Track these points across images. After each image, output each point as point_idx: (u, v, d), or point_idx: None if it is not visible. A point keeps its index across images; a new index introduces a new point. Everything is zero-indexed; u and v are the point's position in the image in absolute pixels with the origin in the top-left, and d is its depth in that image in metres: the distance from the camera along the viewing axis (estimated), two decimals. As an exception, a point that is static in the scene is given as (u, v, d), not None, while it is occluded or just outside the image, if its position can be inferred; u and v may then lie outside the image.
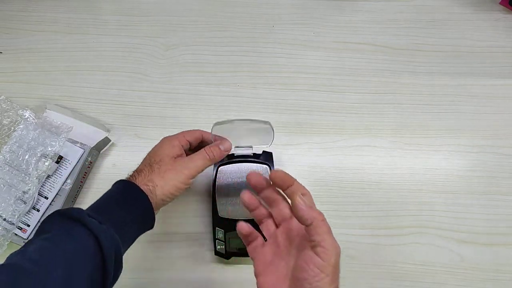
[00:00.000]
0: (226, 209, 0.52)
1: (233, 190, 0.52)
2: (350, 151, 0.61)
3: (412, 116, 0.63)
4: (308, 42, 0.67)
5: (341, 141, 0.61)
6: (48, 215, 0.41)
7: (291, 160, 0.60)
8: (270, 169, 0.53)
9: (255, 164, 0.53)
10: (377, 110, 0.63)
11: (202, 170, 0.47)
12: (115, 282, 0.40)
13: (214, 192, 0.52)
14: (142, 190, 0.44)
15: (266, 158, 0.54)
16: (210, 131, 0.49)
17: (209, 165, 0.48)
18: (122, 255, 0.41)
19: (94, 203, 0.43)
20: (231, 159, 0.54)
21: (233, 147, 0.52)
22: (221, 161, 0.53)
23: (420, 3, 0.70)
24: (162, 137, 0.50)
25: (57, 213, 0.41)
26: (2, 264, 0.36)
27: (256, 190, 0.41)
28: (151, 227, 0.46)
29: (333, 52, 0.67)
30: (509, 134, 0.62)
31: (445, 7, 0.70)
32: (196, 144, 0.51)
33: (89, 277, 0.37)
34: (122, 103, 0.63)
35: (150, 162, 0.47)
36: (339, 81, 0.65)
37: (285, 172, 0.38)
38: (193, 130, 0.51)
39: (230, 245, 0.52)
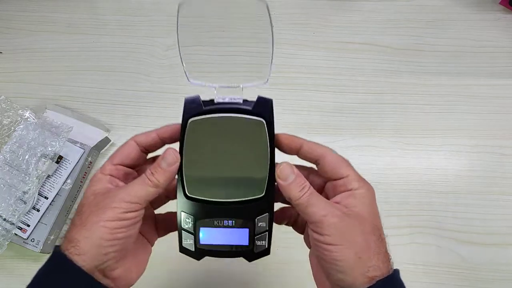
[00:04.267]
0: (197, 185, 0.35)
1: (210, 156, 0.35)
2: (350, 151, 0.61)
3: (412, 116, 0.63)
4: (308, 42, 0.67)
5: (341, 141, 0.61)
6: None
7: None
8: (267, 126, 0.35)
9: (244, 116, 0.35)
10: (377, 110, 0.63)
11: (147, 201, 0.33)
12: None
13: (181, 160, 0.35)
14: (68, 260, 0.30)
15: (261, 107, 0.36)
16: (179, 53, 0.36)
17: (155, 193, 0.33)
18: None
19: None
20: (210, 108, 0.36)
21: (214, 88, 0.36)
22: (194, 110, 0.36)
23: (421, 3, 0.70)
24: None
25: None
26: None
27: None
28: None
29: (333, 52, 0.67)
30: (510, 134, 0.62)
31: (445, 7, 0.70)
32: (141, 163, 0.36)
33: None
34: (122, 103, 0.63)
35: (74, 215, 0.34)
36: (339, 81, 0.65)
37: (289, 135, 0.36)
38: (121, 146, 0.36)
39: (202, 239, 0.36)
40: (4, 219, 0.52)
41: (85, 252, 0.30)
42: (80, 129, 0.58)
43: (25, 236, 0.52)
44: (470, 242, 0.56)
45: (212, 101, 0.36)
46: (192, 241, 0.36)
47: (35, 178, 0.53)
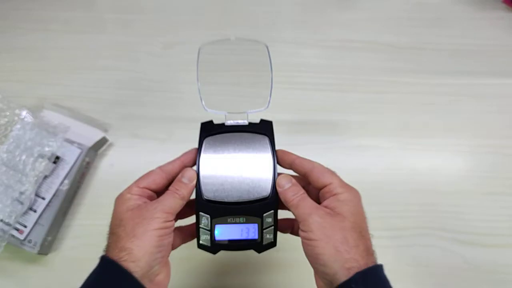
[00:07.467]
0: (212, 189, 0.41)
1: (223, 165, 0.42)
2: (351, 151, 0.60)
3: (414, 115, 0.62)
4: (309, 40, 0.67)
5: (342, 141, 0.61)
6: None
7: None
8: (270, 141, 0.43)
9: (251, 134, 0.43)
10: (379, 110, 0.63)
11: (176, 212, 0.39)
12: None
13: (199, 168, 0.42)
14: (123, 269, 0.34)
15: (264, 127, 0.44)
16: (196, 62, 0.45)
17: (182, 205, 0.40)
18: None
19: None
20: (222, 129, 0.44)
21: (224, 115, 0.45)
22: (209, 131, 0.44)
23: (423, 1, 0.70)
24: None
25: None
26: None
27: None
28: None
29: (334, 51, 0.66)
30: (512, 133, 0.61)
31: (447, 6, 0.69)
32: (162, 189, 0.42)
33: None
34: (120, 102, 0.63)
35: (111, 231, 0.38)
36: (340, 80, 0.64)
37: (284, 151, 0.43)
38: (147, 173, 0.41)
39: (217, 235, 0.42)
40: (1, 220, 0.51)
41: (138, 259, 0.35)
42: (77, 129, 0.58)
43: (22, 237, 0.52)
44: (472, 243, 0.56)
45: (223, 124, 0.44)
46: (208, 237, 0.41)
47: (32, 179, 0.53)
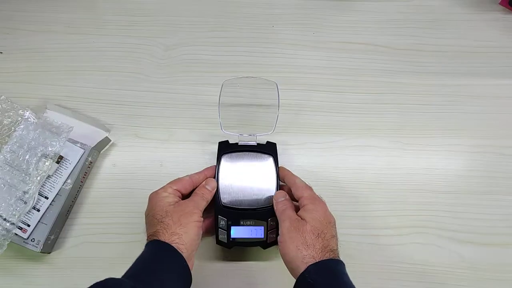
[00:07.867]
0: (228, 197, 0.52)
1: (237, 178, 0.53)
2: (350, 151, 0.61)
3: (412, 116, 0.63)
4: (308, 42, 0.67)
5: (341, 141, 0.61)
6: None
7: (291, 160, 0.60)
8: (274, 159, 0.53)
9: (259, 154, 0.54)
10: (377, 110, 0.63)
11: (203, 210, 0.49)
12: None
13: (217, 180, 0.52)
14: (175, 249, 0.43)
15: (270, 148, 0.55)
16: (218, 95, 0.55)
17: (206, 205, 0.50)
18: None
19: (130, 269, 0.43)
20: (236, 148, 0.54)
21: (236, 136, 0.55)
22: (225, 149, 0.54)
23: (420, 3, 0.70)
24: (149, 195, 0.50)
25: (96, 286, 0.39)
26: None
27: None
28: (190, 283, 0.46)
29: (333, 52, 0.67)
30: (509, 134, 0.62)
31: (445, 7, 0.70)
32: (188, 193, 0.51)
33: None
34: (122, 103, 0.63)
35: (157, 220, 0.46)
36: (339, 81, 0.65)
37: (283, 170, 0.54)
38: (179, 178, 0.51)
39: (232, 234, 0.52)
40: (4, 219, 0.52)
41: (186, 243, 0.44)
42: (80, 129, 0.58)
43: (25, 236, 0.52)
44: (469, 242, 0.57)
45: (236, 144, 0.55)
46: (225, 236, 0.52)
47: (35, 178, 0.53)
